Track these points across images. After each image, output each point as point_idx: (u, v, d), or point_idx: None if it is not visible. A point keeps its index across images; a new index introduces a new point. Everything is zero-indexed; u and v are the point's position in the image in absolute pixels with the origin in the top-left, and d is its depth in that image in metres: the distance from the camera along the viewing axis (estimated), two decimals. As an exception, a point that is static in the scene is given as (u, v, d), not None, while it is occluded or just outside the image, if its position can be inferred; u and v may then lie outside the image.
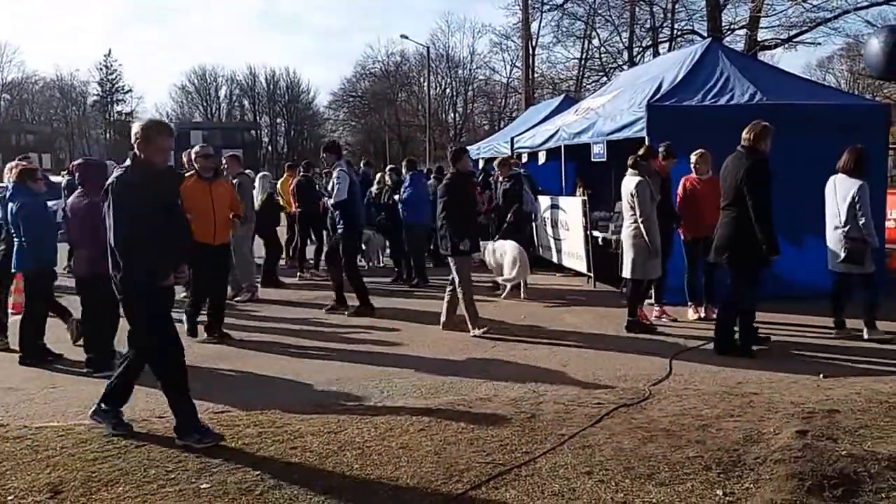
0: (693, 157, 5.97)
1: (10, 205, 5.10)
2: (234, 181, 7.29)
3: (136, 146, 3.36)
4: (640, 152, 5.63)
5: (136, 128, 3.40)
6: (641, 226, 5.35)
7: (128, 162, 3.38)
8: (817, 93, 7.60)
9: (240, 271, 7.38)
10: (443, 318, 5.93)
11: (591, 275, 7.73)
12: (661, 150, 5.98)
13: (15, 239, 5.09)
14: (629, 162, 5.54)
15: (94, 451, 3.28)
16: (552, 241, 8.87)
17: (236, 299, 7.37)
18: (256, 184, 8.57)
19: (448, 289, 5.93)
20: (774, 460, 2.90)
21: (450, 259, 5.76)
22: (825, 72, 37.48)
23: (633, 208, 5.42)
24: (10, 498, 2.79)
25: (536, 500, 2.69)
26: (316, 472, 2.99)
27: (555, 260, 8.83)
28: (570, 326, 5.93)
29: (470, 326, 5.67)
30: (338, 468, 3.03)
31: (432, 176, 10.81)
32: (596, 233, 7.74)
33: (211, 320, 5.65)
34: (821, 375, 4.24)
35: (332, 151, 6.66)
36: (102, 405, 3.57)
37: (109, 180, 3.34)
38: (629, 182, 5.45)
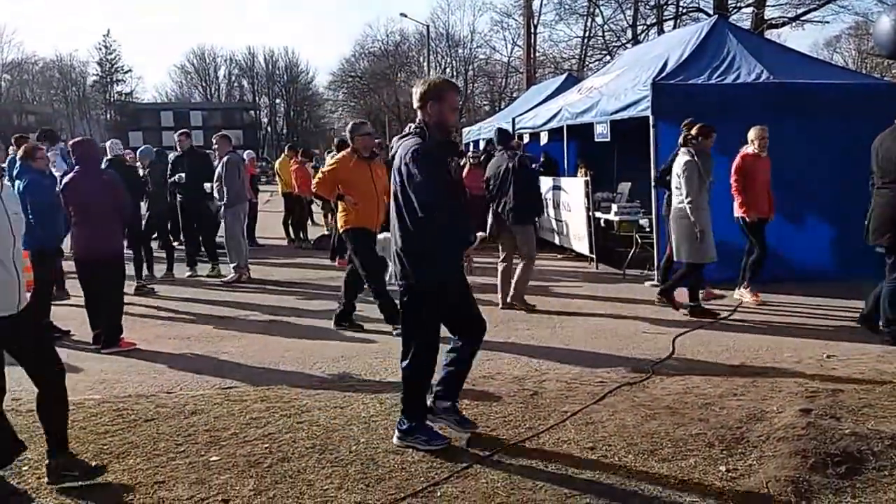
0: (757, 132, 5.60)
1: (17, 183, 5.11)
2: (223, 160, 7.25)
3: (426, 107, 2.87)
4: (694, 131, 5.28)
5: (422, 87, 2.90)
6: (687, 207, 5.10)
7: (413, 128, 2.92)
8: (825, 72, 7.48)
9: (231, 252, 7.36)
10: (500, 297, 5.82)
11: (594, 256, 7.70)
12: (685, 125, 5.63)
13: (22, 217, 5.08)
14: (680, 140, 5.31)
15: (105, 424, 3.33)
16: (554, 222, 8.82)
17: (222, 279, 7.38)
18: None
19: (501, 266, 5.87)
20: (778, 438, 2.91)
21: (514, 229, 5.74)
22: (833, 51, 37.04)
23: (679, 188, 5.20)
24: (25, 468, 2.85)
25: (540, 474, 2.70)
26: (323, 446, 3.01)
27: (556, 241, 8.80)
28: (572, 307, 5.92)
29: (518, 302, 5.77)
30: (344, 442, 3.05)
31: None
32: (598, 214, 7.68)
33: (349, 310, 5.26)
34: (825, 355, 4.23)
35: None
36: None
37: (405, 151, 2.82)
38: (679, 161, 5.24)
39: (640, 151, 6.86)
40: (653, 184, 6.41)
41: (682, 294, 5.49)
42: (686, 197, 5.12)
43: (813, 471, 2.63)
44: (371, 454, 2.91)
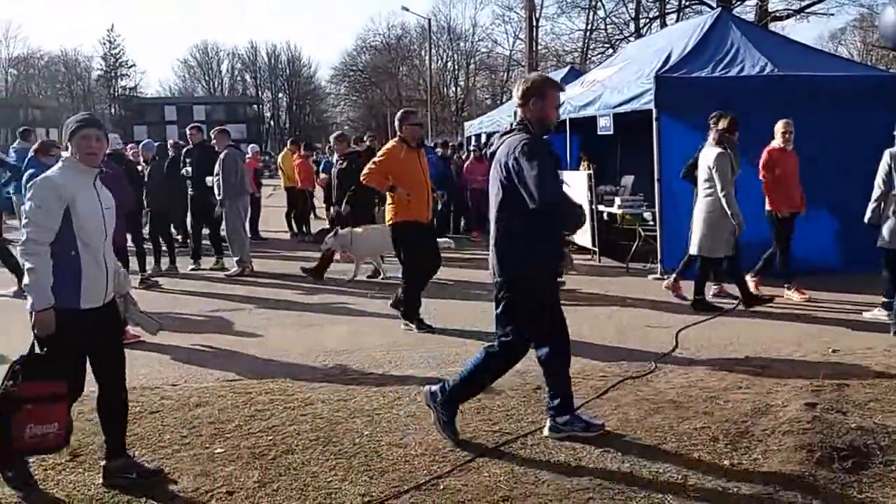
0: (781, 126, 5.54)
1: (26, 175, 5.21)
2: (221, 155, 7.25)
3: (528, 104, 2.87)
4: (725, 125, 5.21)
5: (524, 85, 2.90)
6: (723, 200, 5.00)
7: (516, 124, 2.90)
8: (830, 64, 7.41)
9: (233, 246, 7.35)
10: None
11: (596, 249, 7.68)
12: (713, 119, 5.55)
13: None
14: (713, 135, 5.21)
15: (109, 416, 3.31)
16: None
17: (225, 273, 7.39)
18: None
19: None
20: (783, 432, 2.90)
21: None
22: (837, 43, 36.76)
23: (708, 181, 5.10)
24: (32, 459, 2.85)
25: (543, 468, 2.70)
26: (327, 438, 3.02)
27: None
28: (575, 301, 5.90)
29: None
30: (347, 434, 3.06)
31: (439, 150, 10.69)
32: (601, 207, 7.65)
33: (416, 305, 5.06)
34: (830, 349, 4.21)
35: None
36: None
37: (513, 146, 2.78)
38: (709, 153, 5.13)
39: (643, 145, 6.81)
40: (655, 178, 6.36)
41: (688, 287, 5.47)
42: (721, 190, 5.01)
43: (819, 465, 2.62)
44: (374, 447, 2.91)
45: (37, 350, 2.57)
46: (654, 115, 6.45)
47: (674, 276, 5.72)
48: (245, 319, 5.51)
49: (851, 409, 3.12)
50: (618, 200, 7.51)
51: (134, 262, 6.02)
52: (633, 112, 6.88)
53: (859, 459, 2.66)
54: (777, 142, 5.60)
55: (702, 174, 5.24)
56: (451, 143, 13.05)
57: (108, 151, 6.77)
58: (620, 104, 7.06)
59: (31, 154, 5.37)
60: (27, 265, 2.49)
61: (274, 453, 2.87)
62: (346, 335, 4.90)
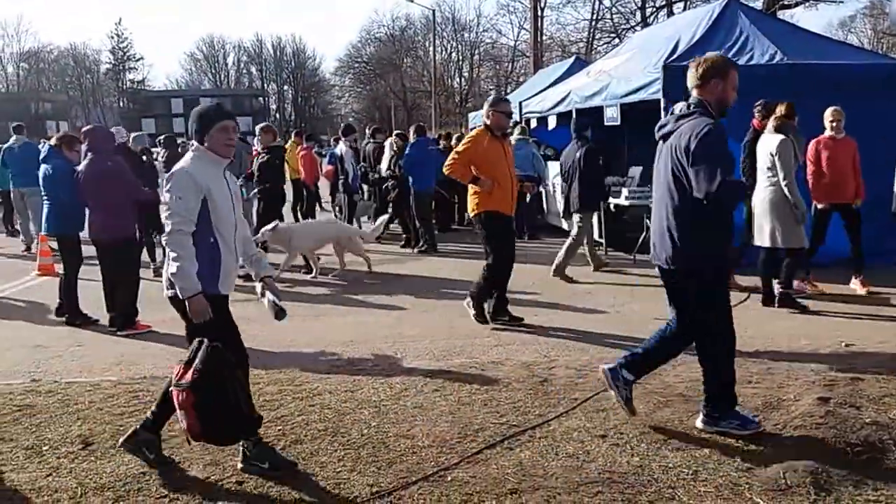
0: (829, 114, 5.30)
1: (43, 167, 5.16)
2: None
3: (708, 84, 2.77)
4: (783, 111, 4.98)
5: (704, 65, 2.78)
6: (786, 189, 4.78)
7: (693, 106, 2.79)
8: (841, 52, 7.29)
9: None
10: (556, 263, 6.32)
11: (603, 241, 7.62)
12: (758, 108, 5.41)
13: (46, 202, 5.12)
14: (773, 123, 4.99)
15: (122, 405, 3.37)
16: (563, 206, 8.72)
17: None
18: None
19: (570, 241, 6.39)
20: (795, 427, 2.87)
21: (576, 215, 6.39)
22: (847, 31, 36.24)
23: (771, 169, 4.86)
24: (45, 448, 2.90)
25: (551, 461, 2.68)
26: (335, 429, 3.02)
27: (564, 226, 8.72)
28: (582, 292, 5.88)
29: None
30: (355, 425, 3.06)
31: (441, 142, 10.64)
32: (609, 199, 7.58)
33: (503, 304, 4.84)
34: (843, 343, 4.16)
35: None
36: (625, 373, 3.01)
37: (697, 130, 2.68)
38: (771, 141, 4.90)
39: (651, 135, 6.73)
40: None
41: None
42: (784, 179, 4.79)
43: (833, 461, 2.58)
44: (382, 438, 2.91)
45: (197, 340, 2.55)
46: (662, 105, 6.37)
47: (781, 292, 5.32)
48: (252, 310, 5.49)
49: (866, 404, 3.07)
50: (625, 191, 7.44)
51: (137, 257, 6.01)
52: (640, 102, 6.80)
53: (874, 455, 2.62)
54: (827, 131, 5.38)
55: (763, 163, 4.97)
56: (455, 136, 12.99)
57: (115, 143, 6.85)
58: (628, 94, 6.97)
59: (48, 147, 5.32)
60: (172, 254, 2.53)
61: (283, 443, 2.88)
62: (353, 326, 4.90)
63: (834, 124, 5.31)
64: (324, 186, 10.86)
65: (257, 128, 8.21)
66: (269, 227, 6.46)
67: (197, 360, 2.45)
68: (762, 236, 5.03)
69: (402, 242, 8.68)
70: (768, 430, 2.88)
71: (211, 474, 2.64)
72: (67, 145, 5.25)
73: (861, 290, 5.42)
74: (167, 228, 2.57)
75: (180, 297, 2.55)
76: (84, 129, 5.23)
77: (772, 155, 4.87)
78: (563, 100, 8.77)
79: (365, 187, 9.11)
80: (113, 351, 4.43)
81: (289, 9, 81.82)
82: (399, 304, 5.58)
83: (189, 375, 2.44)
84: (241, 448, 2.67)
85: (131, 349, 4.46)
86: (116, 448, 2.85)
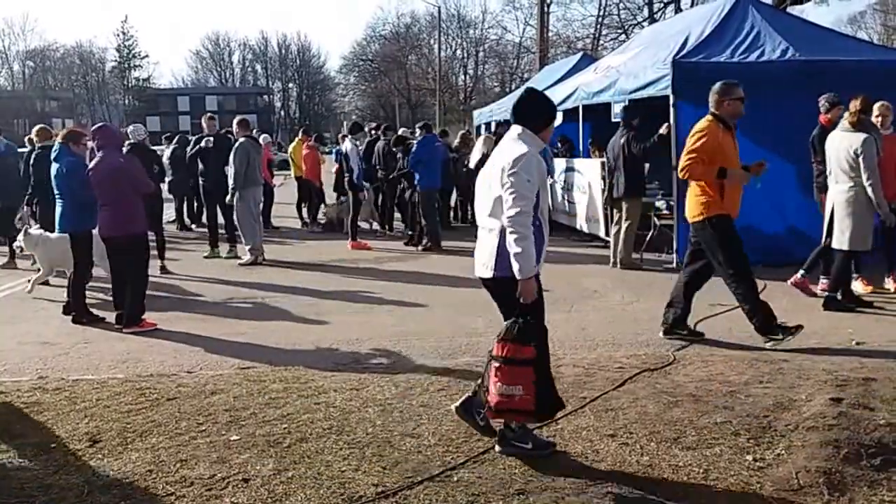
0: (877, 109, 5.00)
1: (55, 165, 5.17)
2: (235, 145, 7.28)
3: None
4: (859, 106, 4.68)
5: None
6: (870, 189, 4.54)
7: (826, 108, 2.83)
8: (853, 48, 7.20)
9: (245, 234, 7.37)
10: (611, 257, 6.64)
11: (610, 238, 7.58)
12: (823, 102, 5.22)
13: (58, 200, 5.14)
14: (849, 119, 4.68)
15: (128, 403, 3.37)
16: (567, 204, 8.69)
17: (238, 261, 7.41)
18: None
19: (614, 230, 6.65)
20: (807, 427, 2.82)
21: (623, 202, 6.55)
22: (857, 27, 35.86)
23: (854, 169, 4.59)
24: (52, 445, 2.91)
25: (559, 460, 2.65)
26: (340, 427, 3.01)
27: (571, 224, 8.68)
28: (588, 290, 5.84)
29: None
30: (361, 424, 3.04)
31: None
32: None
33: (685, 315, 4.38)
34: (853, 342, 4.11)
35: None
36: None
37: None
38: (851, 139, 4.58)
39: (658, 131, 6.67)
40: (673, 166, 6.17)
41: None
42: (869, 179, 4.55)
43: (846, 462, 2.54)
44: (387, 437, 2.89)
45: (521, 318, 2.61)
46: (671, 102, 6.31)
47: (801, 271, 5.22)
48: (259, 308, 5.53)
49: (879, 405, 3.02)
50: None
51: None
52: (648, 98, 6.74)
53: (889, 457, 2.57)
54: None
55: (839, 162, 4.66)
56: (460, 133, 12.94)
57: (131, 141, 6.87)
58: (636, 90, 6.91)
59: (59, 145, 5.30)
60: (516, 236, 2.54)
61: (289, 441, 2.87)
62: (358, 325, 4.89)
63: (880, 119, 5.02)
64: (327, 184, 10.88)
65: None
66: (24, 231, 5.89)
67: (527, 337, 2.55)
68: (835, 239, 4.76)
69: (406, 240, 8.66)
70: (780, 430, 2.84)
71: (217, 472, 2.63)
72: (74, 141, 5.24)
73: (893, 288, 5.25)
74: (514, 210, 2.54)
75: (518, 276, 2.55)
76: (93, 127, 5.23)
77: (856, 154, 4.55)
78: (569, 96, 8.71)
79: (367, 185, 9.09)
80: (120, 348, 4.43)
81: (294, 6, 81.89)
82: (404, 303, 5.56)
83: (526, 351, 2.52)
84: (498, 429, 2.72)
85: (138, 347, 4.46)
86: (123, 446, 2.86)
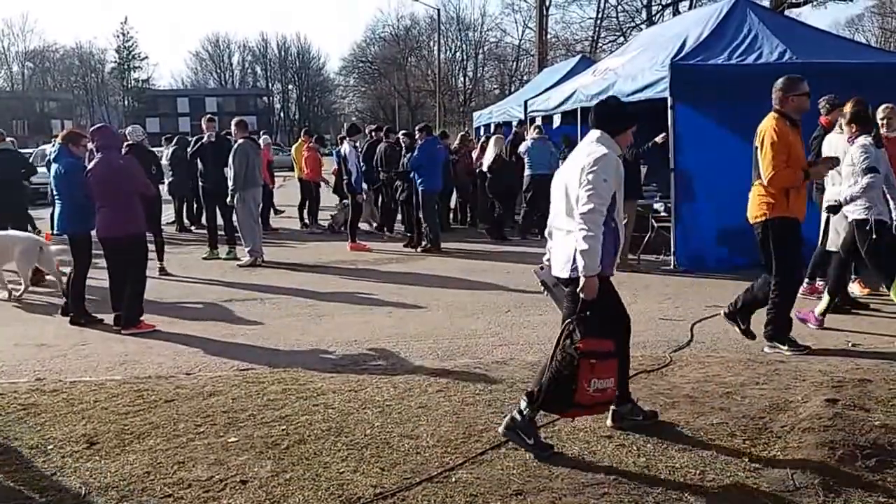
0: (881, 111, 4.94)
1: (54, 166, 5.18)
2: (235, 146, 7.29)
3: None
4: (853, 108, 4.50)
5: None
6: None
7: None
8: (851, 51, 7.23)
9: (244, 236, 7.38)
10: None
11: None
12: (824, 104, 5.17)
13: (57, 201, 5.15)
14: (843, 121, 4.58)
15: (126, 405, 3.37)
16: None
17: (238, 263, 7.43)
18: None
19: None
20: (803, 429, 2.83)
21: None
22: (854, 30, 35.96)
23: (854, 174, 4.36)
24: (50, 447, 2.90)
25: (557, 461, 2.66)
26: (339, 429, 3.01)
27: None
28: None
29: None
30: (359, 425, 3.05)
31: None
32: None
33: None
34: (849, 343, 4.13)
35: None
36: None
37: None
38: (854, 144, 4.41)
39: (656, 133, 6.69)
40: (671, 168, 6.20)
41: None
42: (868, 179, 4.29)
43: (841, 463, 2.56)
44: (385, 438, 2.90)
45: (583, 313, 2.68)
46: (668, 104, 6.33)
47: (806, 281, 5.19)
48: (257, 309, 5.53)
49: (874, 406, 3.04)
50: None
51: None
52: (647, 100, 6.76)
53: (884, 458, 2.58)
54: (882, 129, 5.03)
55: (848, 166, 4.43)
56: (460, 134, 12.97)
57: (129, 142, 6.89)
58: (634, 92, 6.93)
59: (58, 146, 5.31)
60: (586, 233, 2.61)
61: (287, 443, 2.87)
62: (357, 326, 4.89)
63: (886, 121, 4.97)
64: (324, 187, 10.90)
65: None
66: None
67: (602, 331, 2.64)
68: (839, 240, 4.70)
69: (406, 242, 8.68)
70: (775, 432, 2.86)
71: (215, 473, 2.64)
72: (74, 142, 5.24)
73: (859, 291, 5.30)
74: (587, 206, 2.61)
75: (582, 273, 2.63)
76: (92, 128, 5.23)
77: (853, 157, 4.38)
78: (568, 98, 8.74)
79: (366, 186, 9.10)
80: (118, 350, 4.43)
81: (294, 8, 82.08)
82: (403, 304, 5.56)
83: (606, 345, 2.62)
84: (611, 410, 2.87)
85: (136, 348, 4.46)
86: (121, 448, 2.86)
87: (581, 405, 2.63)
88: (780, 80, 3.96)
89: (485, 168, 8.60)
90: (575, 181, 2.70)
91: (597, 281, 2.65)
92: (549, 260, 2.96)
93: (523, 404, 2.76)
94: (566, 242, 2.76)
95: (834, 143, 4.80)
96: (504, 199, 8.99)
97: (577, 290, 2.67)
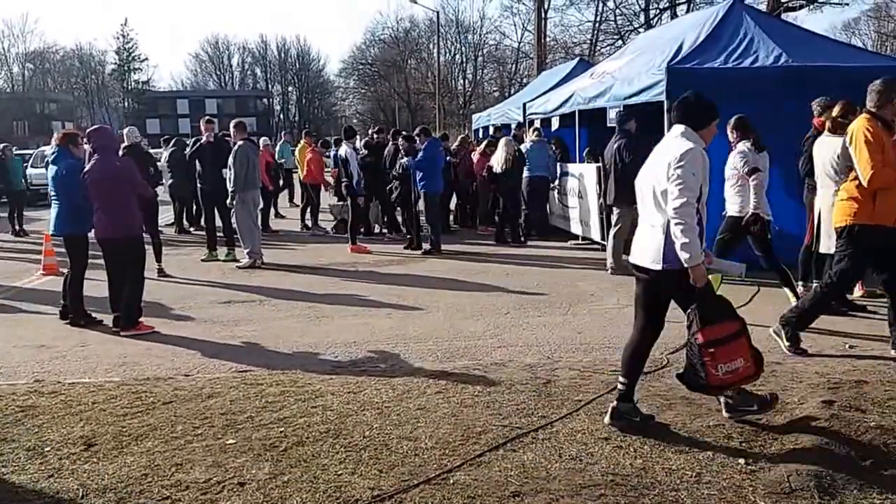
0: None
1: (54, 168, 5.18)
2: (234, 148, 7.31)
3: None
4: (840, 111, 4.54)
5: None
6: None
7: None
8: (846, 54, 7.26)
9: (244, 238, 7.40)
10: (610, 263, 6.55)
11: (605, 242, 7.61)
12: (817, 105, 5.20)
13: (55, 202, 5.14)
14: (829, 125, 4.54)
15: (124, 406, 3.37)
16: (564, 208, 8.74)
17: (237, 264, 7.44)
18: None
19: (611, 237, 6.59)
20: (799, 430, 2.85)
21: (615, 208, 6.60)
22: (850, 34, 36.11)
23: (838, 173, 4.38)
24: (47, 449, 2.91)
25: (554, 463, 2.67)
26: (337, 431, 3.02)
27: (567, 228, 8.73)
28: (584, 293, 5.86)
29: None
30: (357, 427, 3.06)
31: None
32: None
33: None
34: (847, 346, 4.14)
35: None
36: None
37: None
38: (835, 144, 4.44)
39: (654, 135, 6.71)
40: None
41: None
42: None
43: (837, 464, 2.57)
44: (384, 440, 2.90)
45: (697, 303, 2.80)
46: (665, 107, 6.35)
47: (800, 284, 5.22)
48: (256, 311, 5.53)
49: (870, 408, 3.06)
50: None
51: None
52: (643, 104, 6.79)
53: (879, 459, 2.60)
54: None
55: (825, 167, 4.51)
56: (460, 137, 13.00)
57: (126, 144, 6.89)
58: (631, 96, 6.96)
59: (57, 147, 5.31)
60: (682, 227, 2.68)
61: (285, 445, 2.88)
62: (356, 327, 4.90)
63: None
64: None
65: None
66: None
67: (720, 315, 2.75)
68: (830, 243, 4.60)
69: (406, 244, 8.69)
70: (772, 434, 2.87)
71: (213, 476, 2.64)
72: (74, 143, 5.24)
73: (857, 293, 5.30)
74: (679, 200, 2.68)
75: (687, 265, 2.70)
76: (90, 129, 5.23)
77: (837, 159, 4.41)
78: (566, 101, 8.77)
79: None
80: (116, 352, 4.44)
81: (293, 10, 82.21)
82: (402, 306, 5.57)
83: (729, 327, 2.73)
84: (722, 400, 2.97)
85: (135, 350, 4.47)
86: (119, 450, 2.86)
87: (716, 386, 2.78)
88: (879, 82, 3.82)
89: (497, 169, 8.61)
90: (663, 177, 2.76)
91: (703, 268, 2.72)
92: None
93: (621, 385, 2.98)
94: (652, 236, 2.85)
95: (822, 146, 4.83)
96: (514, 199, 8.99)
97: (685, 280, 2.74)
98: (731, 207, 4.93)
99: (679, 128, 2.88)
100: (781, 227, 5.67)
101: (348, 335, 4.67)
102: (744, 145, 4.78)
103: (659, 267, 2.81)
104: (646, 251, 2.89)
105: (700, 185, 2.73)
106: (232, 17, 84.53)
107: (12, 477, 2.68)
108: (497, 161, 8.68)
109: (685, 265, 2.70)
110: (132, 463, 2.76)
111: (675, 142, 2.84)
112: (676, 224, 2.69)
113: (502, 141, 8.95)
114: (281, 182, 12.76)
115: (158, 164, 8.69)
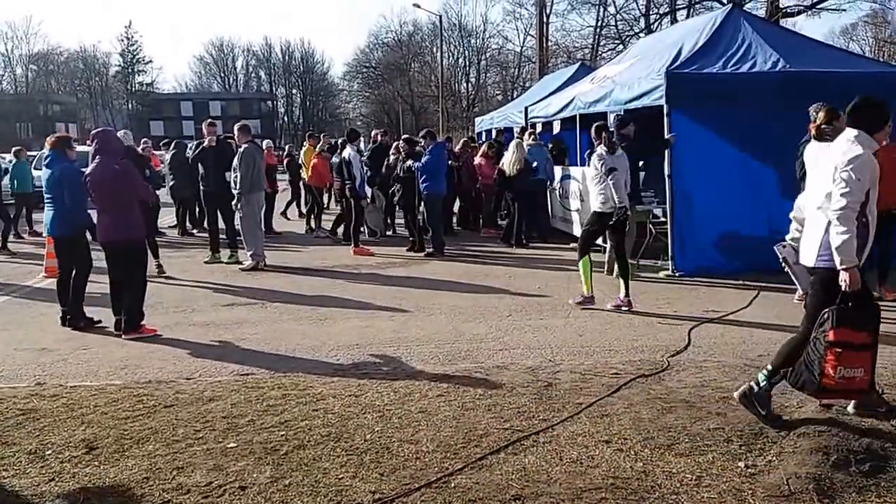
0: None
1: (48, 171, 5.19)
2: (239, 150, 7.34)
3: None
4: (824, 118, 4.44)
5: None
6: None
7: None
8: (844, 60, 7.27)
9: (247, 240, 7.42)
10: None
11: (606, 245, 7.62)
12: (813, 111, 5.07)
13: (48, 205, 5.20)
14: (814, 132, 4.44)
15: (126, 410, 3.38)
16: (565, 211, 8.75)
17: (240, 266, 7.46)
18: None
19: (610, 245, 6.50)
20: (798, 434, 2.86)
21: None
22: (848, 39, 36.15)
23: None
24: (48, 452, 2.91)
25: (555, 466, 2.68)
26: (338, 434, 3.03)
27: (568, 231, 8.74)
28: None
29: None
30: (359, 430, 3.06)
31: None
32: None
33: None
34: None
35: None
36: None
37: None
38: (820, 150, 4.46)
39: (652, 140, 6.72)
40: (666, 175, 6.22)
41: None
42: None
43: (835, 468, 2.58)
44: (385, 443, 2.91)
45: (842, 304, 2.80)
46: (664, 111, 6.38)
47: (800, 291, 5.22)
48: (259, 313, 5.55)
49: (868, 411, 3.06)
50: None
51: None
52: (643, 108, 6.80)
53: (877, 463, 2.61)
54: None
55: (824, 173, 4.70)
56: (462, 139, 13.02)
57: (123, 145, 6.91)
58: (631, 100, 6.99)
59: (51, 150, 5.33)
60: (840, 229, 2.74)
61: (286, 448, 2.88)
62: (358, 330, 4.91)
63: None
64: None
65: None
66: None
67: (860, 323, 2.75)
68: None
69: (408, 246, 8.71)
70: (771, 437, 2.88)
71: (214, 479, 2.65)
72: (67, 146, 5.26)
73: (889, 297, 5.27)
74: (840, 203, 2.73)
75: (840, 266, 2.74)
76: (93, 131, 5.25)
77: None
78: (567, 105, 8.80)
79: (369, 191, 9.14)
80: (118, 355, 4.45)
81: (297, 13, 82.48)
82: (404, 308, 5.57)
83: (861, 336, 2.73)
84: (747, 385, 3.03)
85: (137, 353, 4.48)
86: (120, 453, 2.87)
87: (827, 390, 2.78)
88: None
89: (510, 172, 8.61)
90: (830, 178, 2.81)
91: (857, 272, 2.75)
92: (793, 240, 3.26)
93: (762, 376, 2.98)
94: (815, 233, 2.90)
95: (815, 149, 4.85)
96: (526, 201, 8.99)
97: (839, 280, 2.75)
98: (595, 203, 5.41)
99: (852, 132, 2.89)
100: (779, 229, 5.67)
101: (350, 338, 4.68)
102: (601, 148, 5.29)
103: (813, 264, 2.89)
104: (807, 246, 2.95)
105: (867, 189, 2.77)
106: (233, 18, 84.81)
107: (13, 480, 2.69)
108: (509, 163, 8.71)
109: (838, 267, 2.74)
110: (133, 466, 2.76)
111: (845, 145, 2.87)
112: (835, 226, 2.75)
113: (513, 143, 8.97)
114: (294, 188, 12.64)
115: (161, 167, 8.73)
